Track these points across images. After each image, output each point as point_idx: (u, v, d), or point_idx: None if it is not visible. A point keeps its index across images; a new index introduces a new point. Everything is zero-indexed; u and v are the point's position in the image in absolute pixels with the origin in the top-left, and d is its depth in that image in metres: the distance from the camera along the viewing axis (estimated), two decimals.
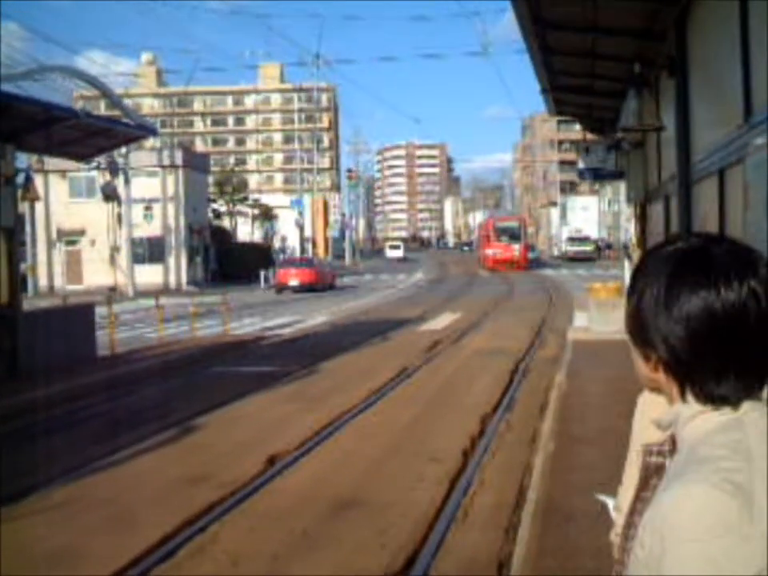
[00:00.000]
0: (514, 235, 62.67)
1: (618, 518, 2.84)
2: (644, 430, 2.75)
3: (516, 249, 62.23)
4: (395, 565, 6.28)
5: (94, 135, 16.03)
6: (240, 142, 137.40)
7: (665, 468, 1.42)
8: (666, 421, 1.39)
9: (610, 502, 3.00)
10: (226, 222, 68.53)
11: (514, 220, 69.09)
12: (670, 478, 1.28)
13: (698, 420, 1.31)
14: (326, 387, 14.18)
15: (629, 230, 34.15)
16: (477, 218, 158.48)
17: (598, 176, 19.95)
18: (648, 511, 1.26)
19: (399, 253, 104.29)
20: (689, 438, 1.31)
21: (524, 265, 61.51)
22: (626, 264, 21.88)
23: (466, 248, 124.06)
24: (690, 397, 1.32)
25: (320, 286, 43.91)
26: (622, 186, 24.96)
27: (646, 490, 1.60)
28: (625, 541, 1.68)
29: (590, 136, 21.31)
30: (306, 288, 42.87)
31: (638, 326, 1.37)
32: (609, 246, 78.52)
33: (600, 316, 19.47)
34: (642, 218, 17.77)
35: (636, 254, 20.12)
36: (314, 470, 9.11)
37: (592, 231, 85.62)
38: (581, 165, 19.17)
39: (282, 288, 43.86)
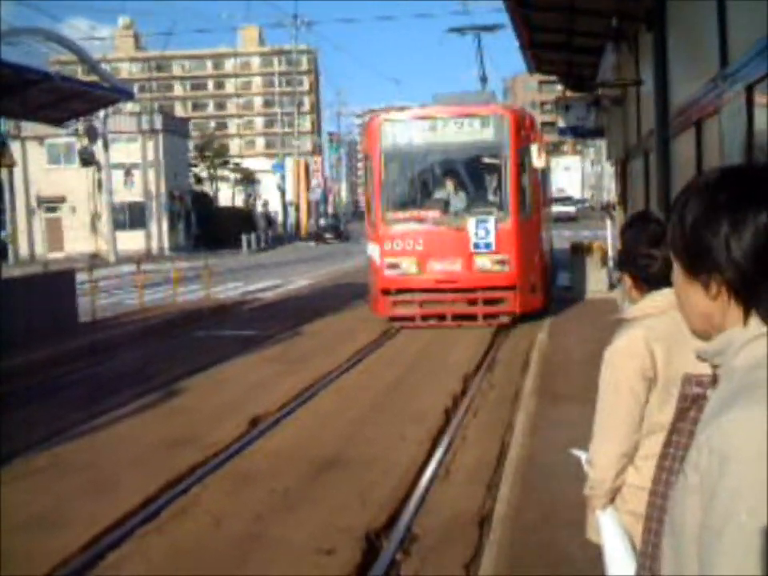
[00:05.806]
0: (479, 176, 15.85)
1: (590, 472, 2.87)
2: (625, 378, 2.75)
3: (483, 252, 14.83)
4: (377, 522, 6.31)
5: (69, 99, 15.81)
6: (220, 106, 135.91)
7: (705, 399, 1.39)
8: (713, 350, 1.34)
9: (583, 456, 3.02)
10: (207, 187, 68.06)
11: (474, 110, 15.08)
12: (726, 401, 1.23)
13: (752, 345, 1.27)
14: (308, 350, 14.17)
15: (611, 190, 34.00)
16: None
17: (579, 134, 19.85)
18: (702, 434, 1.23)
19: None
20: (742, 364, 1.27)
21: (539, 305, 15.60)
22: (609, 223, 21.87)
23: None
24: (753, 320, 1.28)
25: None
26: (604, 146, 24.87)
27: (684, 420, 1.56)
28: (660, 472, 1.65)
29: (570, 94, 21.20)
30: None
31: (696, 251, 1.32)
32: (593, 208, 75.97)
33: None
34: (623, 176, 17.75)
35: (618, 213, 20.12)
36: (296, 431, 9.13)
37: (575, 192, 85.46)
38: (561, 123, 19.06)
39: None
